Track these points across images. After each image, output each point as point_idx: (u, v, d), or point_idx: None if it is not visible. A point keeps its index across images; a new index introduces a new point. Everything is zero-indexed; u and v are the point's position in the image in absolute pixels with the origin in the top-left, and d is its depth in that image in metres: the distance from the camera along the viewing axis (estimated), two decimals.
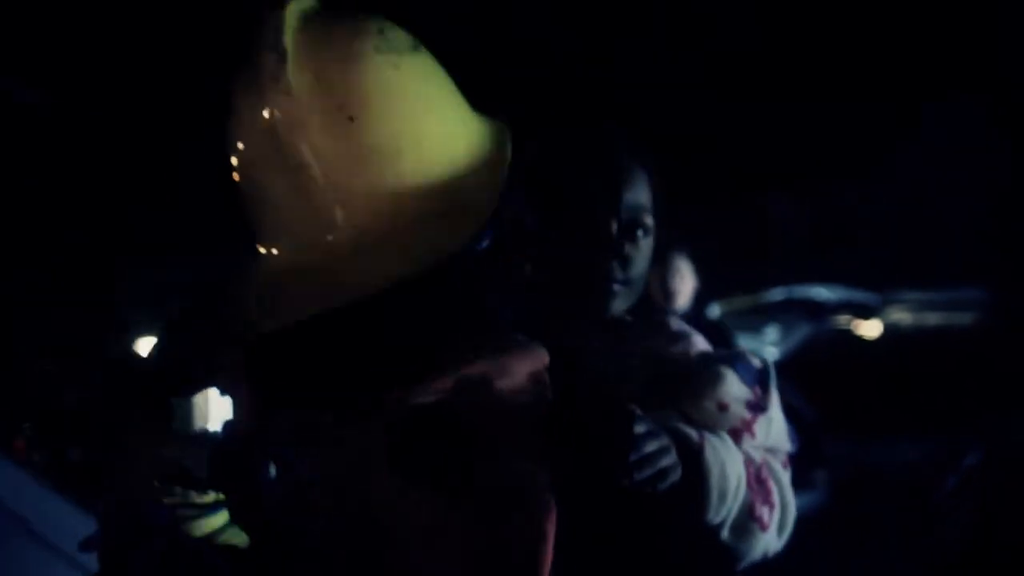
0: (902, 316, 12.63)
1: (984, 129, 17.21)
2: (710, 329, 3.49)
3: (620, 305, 1.58)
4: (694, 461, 1.39)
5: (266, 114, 1.08)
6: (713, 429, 1.49)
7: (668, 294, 3.91)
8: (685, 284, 3.97)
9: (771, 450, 1.57)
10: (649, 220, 1.59)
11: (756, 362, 1.61)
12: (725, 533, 1.45)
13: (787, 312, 7.17)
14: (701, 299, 4.10)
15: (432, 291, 1.10)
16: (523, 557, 1.02)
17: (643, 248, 1.58)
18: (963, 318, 11.88)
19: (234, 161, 1.13)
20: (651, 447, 1.24)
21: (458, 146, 1.13)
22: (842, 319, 9.13)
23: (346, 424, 1.07)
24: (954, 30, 14.76)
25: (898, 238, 16.91)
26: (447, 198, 1.09)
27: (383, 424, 1.06)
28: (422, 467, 1.04)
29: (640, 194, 1.58)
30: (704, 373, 1.55)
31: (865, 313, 9.10)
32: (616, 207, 1.54)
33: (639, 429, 1.22)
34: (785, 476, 1.56)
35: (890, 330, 11.27)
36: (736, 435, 1.51)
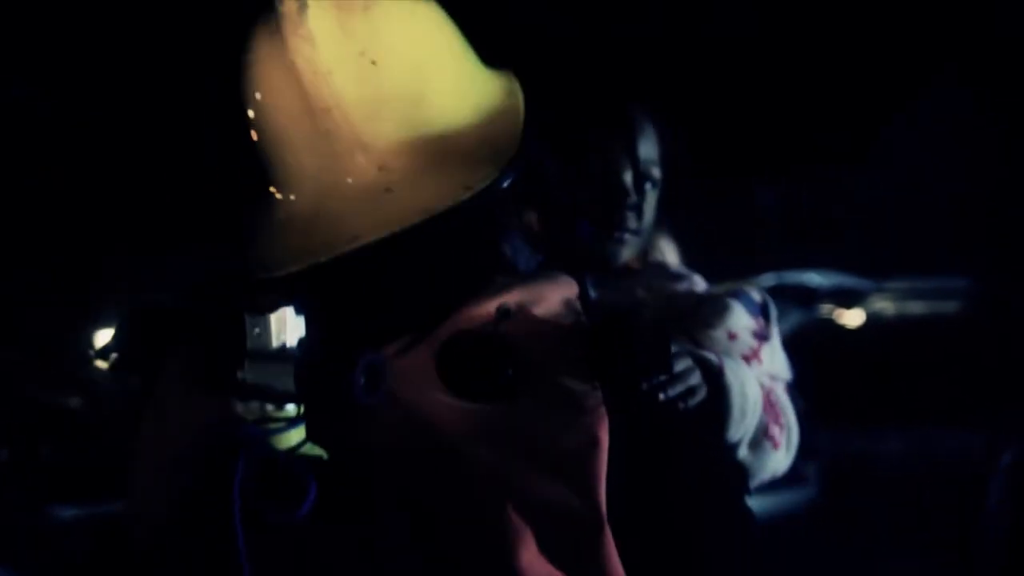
0: (886, 305, 12.67)
1: (971, 118, 17.24)
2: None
3: (629, 253, 1.69)
4: (716, 381, 1.46)
5: (289, 61, 1.11)
6: (724, 356, 1.56)
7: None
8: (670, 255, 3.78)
9: (775, 377, 1.66)
10: (658, 173, 1.69)
11: (757, 295, 1.70)
12: (743, 451, 1.54)
13: (777, 298, 6.96)
14: None
15: (461, 229, 1.14)
16: (580, 462, 1.05)
17: (651, 200, 1.69)
18: (949, 307, 11.94)
19: (254, 110, 1.15)
20: (681, 366, 1.31)
21: (476, 92, 1.17)
22: (831, 306, 9.12)
23: (399, 354, 1.12)
24: (944, 16, 14.77)
25: (884, 227, 16.95)
26: (468, 142, 1.13)
27: (433, 349, 1.11)
28: (476, 385, 1.09)
29: (652, 148, 1.68)
30: (712, 305, 1.64)
31: (857, 300, 9.04)
32: (633, 160, 1.63)
33: (672, 349, 1.26)
34: (788, 401, 1.65)
35: (874, 319, 11.33)
36: (746, 362, 1.60)
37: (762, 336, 1.66)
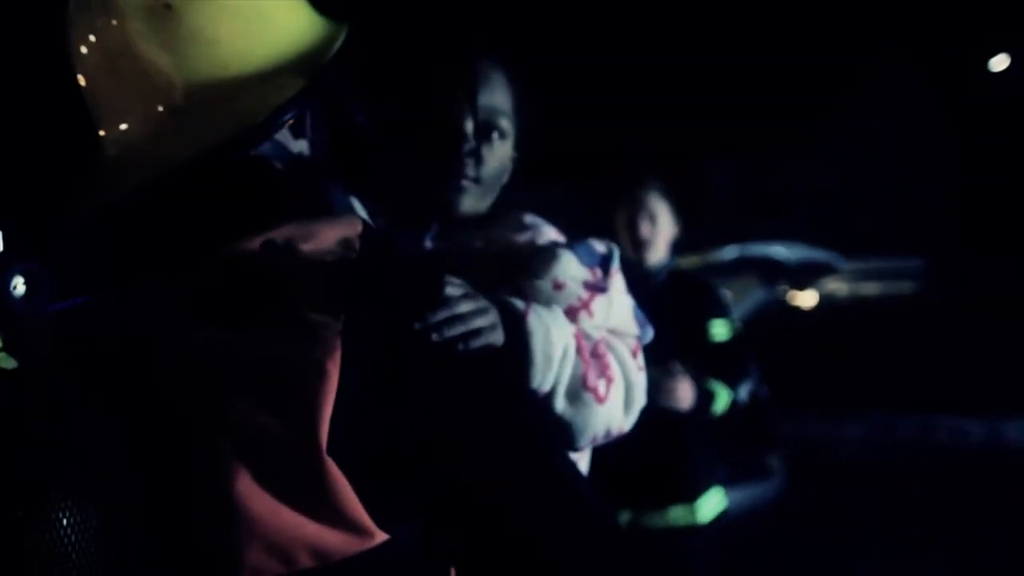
0: (839, 286, 12.68)
1: (919, 100, 17.41)
2: (698, 290, 3.28)
3: (470, 203, 1.67)
4: (518, 326, 1.45)
5: (97, 11, 1.20)
6: (548, 305, 1.55)
7: (637, 242, 3.14)
8: (660, 231, 3.17)
9: (614, 332, 1.63)
10: (506, 124, 1.68)
11: (600, 247, 1.68)
12: (559, 402, 1.51)
13: (739, 273, 6.49)
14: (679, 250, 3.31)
15: (241, 161, 1.20)
16: (301, 392, 1.06)
17: (498, 150, 1.68)
18: (903, 287, 11.97)
19: (72, 55, 1.25)
20: (463, 307, 1.28)
21: (281, 38, 1.24)
22: (797, 280, 8.90)
23: (157, 282, 1.17)
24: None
25: (834, 206, 17.03)
26: (259, 80, 1.20)
27: (192, 280, 1.15)
28: (219, 312, 1.12)
29: (498, 96, 1.68)
30: (541, 255, 1.62)
31: (825, 273, 8.84)
32: (472, 106, 1.64)
33: (451, 291, 1.28)
34: (630, 357, 1.60)
35: (826, 300, 11.28)
36: (572, 313, 1.58)
37: (596, 287, 1.63)
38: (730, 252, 6.22)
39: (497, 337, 1.38)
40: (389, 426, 1.10)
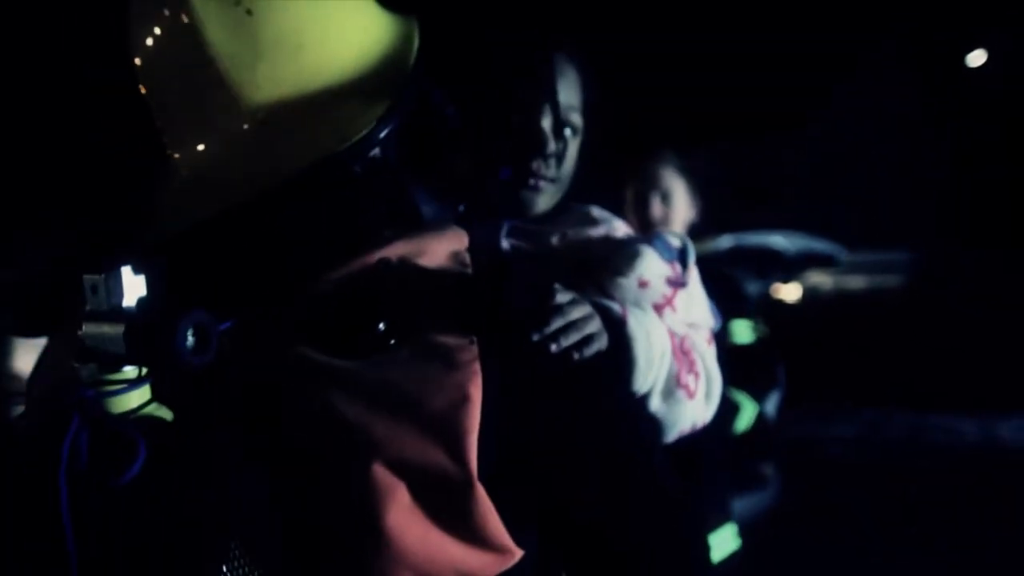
0: (823, 279, 12.65)
1: (906, 89, 17.49)
2: (718, 283, 2.70)
3: (545, 202, 1.69)
4: (618, 330, 1.45)
5: (165, 14, 1.14)
6: (635, 304, 1.56)
7: (647, 224, 2.82)
8: (675, 212, 2.88)
9: (693, 325, 1.66)
10: (578, 120, 1.69)
11: (675, 241, 1.70)
12: (655, 401, 1.53)
13: (734, 265, 6.26)
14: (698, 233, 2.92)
15: (338, 179, 1.15)
16: (448, 419, 1.05)
17: (572, 148, 1.68)
18: (888, 281, 11.92)
19: (138, 69, 1.18)
20: (575, 314, 1.28)
21: (363, 40, 1.19)
22: (800, 274, 8.72)
23: (271, 306, 1.14)
24: None
25: (817, 197, 17.03)
26: (350, 89, 1.16)
27: (306, 303, 1.12)
28: (344, 340, 1.09)
29: (571, 94, 1.68)
30: (624, 251, 1.63)
31: (828, 267, 8.70)
32: (552, 105, 1.63)
33: (561, 298, 1.28)
34: (709, 349, 1.64)
35: (811, 294, 11.23)
36: (658, 310, 1.60)
37: (677, 283, 1.66)
38: (725, 242, 6.01)
39: (604, 342, 1.36)
40: (517, 441, 1.10)
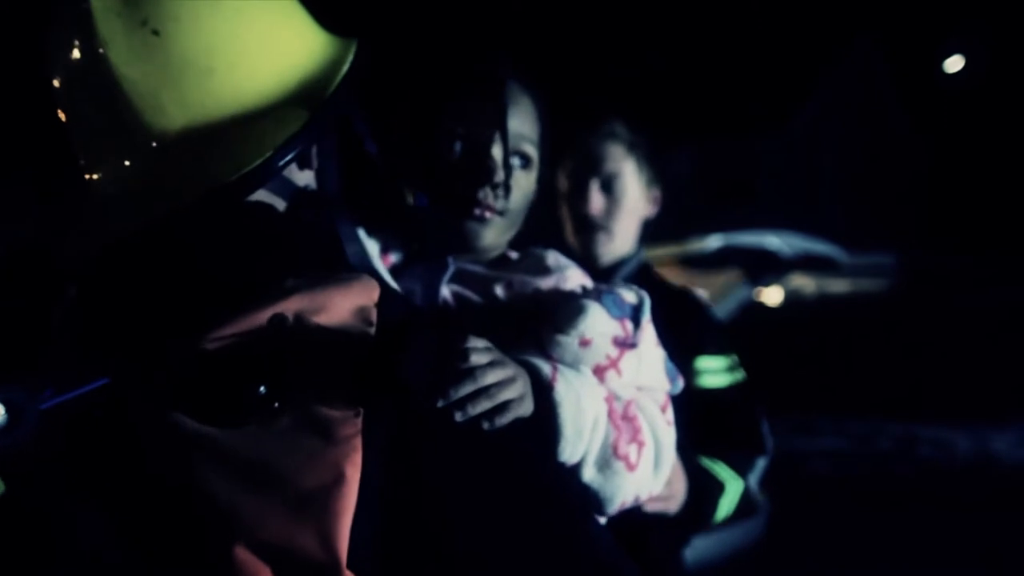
0: (805, 283, 12.59)
1: (886, 90, 17.64)
2: (680, 306, 2.22)
3: (493, 236, 1.65)
4: (545, 395, 1.38)
5: (72, 37, 1.13)
6: (573, 364, 1.50)
7: (583, 222, 2.24)
8: (623, 203, 2.22)
9: (643, 388, 1.58)
10: (532, 151, 1.66)
11: (630, 297, 1.61)
12: (587, 472, 1.46)
13: (723, 266, 5.91)
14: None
15: (236, 213, 1.13)
16: (320, 501, 1.02)
17: (523, 180, 1.66)
18: (872, 285, 11.90)
19: (58, 93, 1.17)
20: (489, 378, 1.21)
21: (282, 63, 1.17)
22: (799, 277, 8.42)
23: (148, 370, 1.10)
24: None
25: (798, 198, 17.12)
26: (256, 115, 1.14)
27: (184, 359, 1.09)
28: (220, 406, 1.06)
29: (524, 122, 1.65)
30: (568, 307, 1.56)
31: (828, 270, 8.38)
32: (503, 132, 1.60)
33: (475, 360, 1.21)
34: (660, 415, 1.56)
35: (792, 298, 11.17)
36: (600, 372, 1.52)
37: (625, 344, 1.56)
38: (714, 241, 5.71)
39: (526, 408, 1.30)
40: (411, 522, 1.07)
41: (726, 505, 2.05)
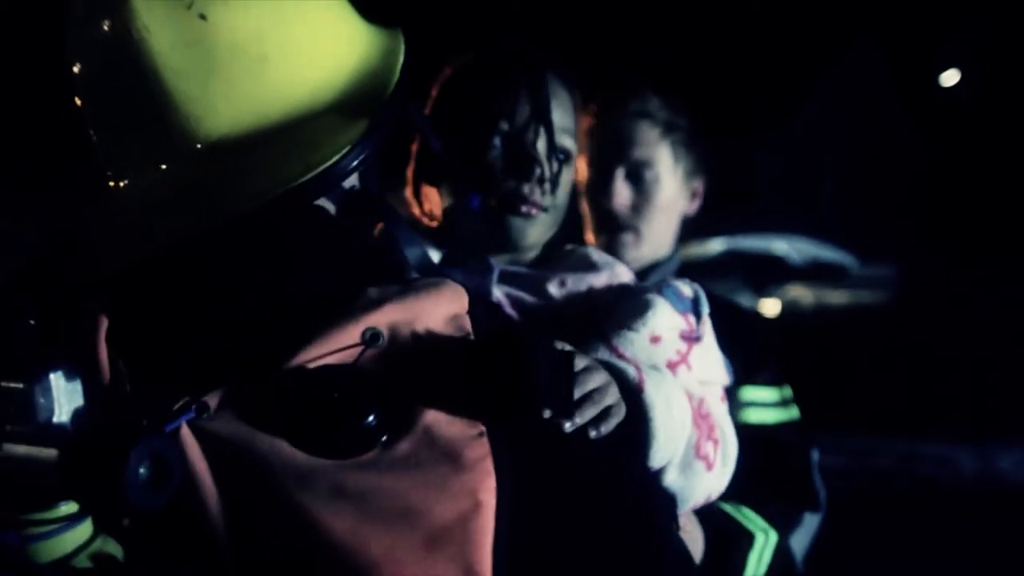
0: (803, 293, 12.59)
1: (886, 93, 17.72)
2: (732, 323, 1.82)
3: (538, 234, 1.64)
4: (635, 400, 1.35)
5: (105, 21, 1.05)
6: (647, 362, 1.46)
7: (607, 218, 1.95)
8: (654, 199, 1.94)
9: (706, 383, 1.57)
10: (572, 144, 1.65)
11: (687, 290, 1.59)
12: (671, 475, 1.43)
13: (726, 273, 5.64)
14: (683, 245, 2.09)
15: (309, 223, 1.07)
16: (458, 532, 0.97)
17: (565, 175, 1.64)
18: (872, 296, 11.86)
19: (79, 86, 1.09)
20: (591, 383, 1.19)
21: (337, 53, 1.11)
22: (805, 286, 8.18)
23: (233, 399, 1.01)
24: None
25: (795, 206, 17.15)
26: (319, 109, 1.07)
27: (276, 391, 1.00)
28: (328, 437, 0.99)
29: (565, 115, 1.64)
30: (633, 303, 1.54)
31: (839, 278, 8.15)
32: (546, 125, 1.58)
33: (579, 365, 1.19)
34: (723, 409, 1.56)
35: (789, 308, 11.14)
36: (672, 368, 1.50)
37: (692, 337, 1.55)
38: (716, 245, 5.43)
39: (623, 413, 1.26)
40: (537, 544, 1.02)
41: (754, 561, 1.75)
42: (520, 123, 1.60)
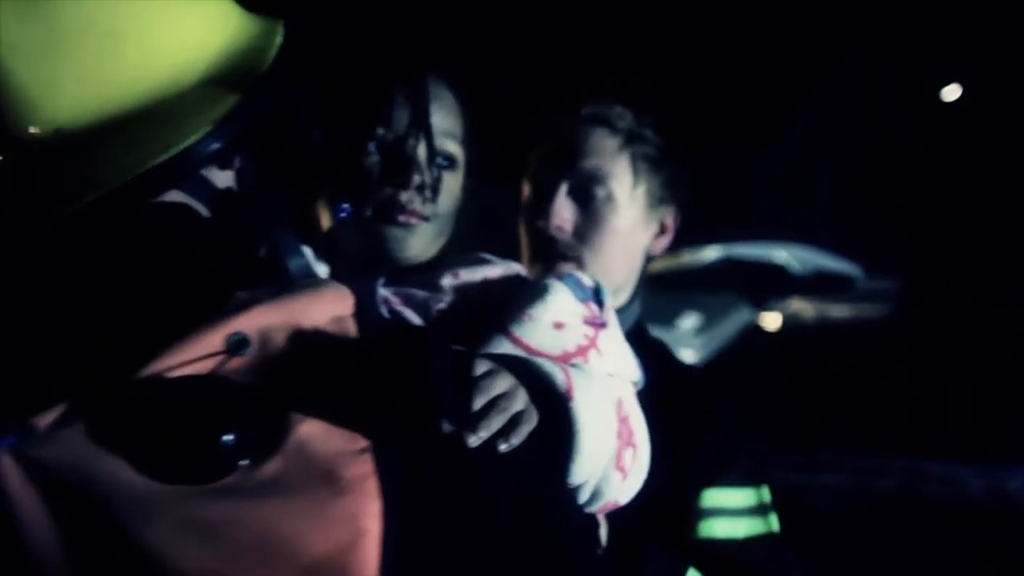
0: (804, 307, 12.58)
1: (887, 100, 17.80)
2: (688, 384, 1.69)
3: (420, 245, 1.54)
4: (560, 406, 1.24)
5: None
6: (553, 350, 1.38)
7: (541, 245, 1.73)
8: (608, 219, 1.68)
9: (617, 375, 1.46)
10: (457, 150, 1.56)
11: (586, 280, 1.50)
12: (588, 488, 1.32)
13: (722, 284, 5.40)
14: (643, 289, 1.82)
15: (164, 215, 1.00)
16: (338, 564, 0.88)
17: (449, 183, 1.55)
18: (875, 310, 11.85)
19: None
20: (497, 388, 1.11)
21: (201, 31, 1.06)
22: (808, 298, 7.98)
23: (72, 418, 0.92)
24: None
25: (794, 217, 17.23)
26: (178, 90, 1.03)
27: (121, 409, 0.91)
28: (179, 460, 0.90)
29: (447, 119, 1.56)
30: (531, 289, 1.47)
31: (844, 290, 7.98)
32: (426, 129, 1.51)
33: (481, 368, 1.10)
34: (638, 408, 1.41)
35: (790, 322, 11.13)
36: (583, 353, 1.40)
37: (597, 323, 1.45)
38: (712, 253, 5.17)
39: (533, 420, 1.17)
40: (439, 570, 0.94)
41: None
42: (398, 129, 1.52)
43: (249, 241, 1.12)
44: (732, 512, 1.60)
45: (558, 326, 1.41)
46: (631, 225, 1.71)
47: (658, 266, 5.40)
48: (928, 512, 6.74)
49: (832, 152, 18.10)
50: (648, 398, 1.44)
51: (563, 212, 1.70)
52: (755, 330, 9.65)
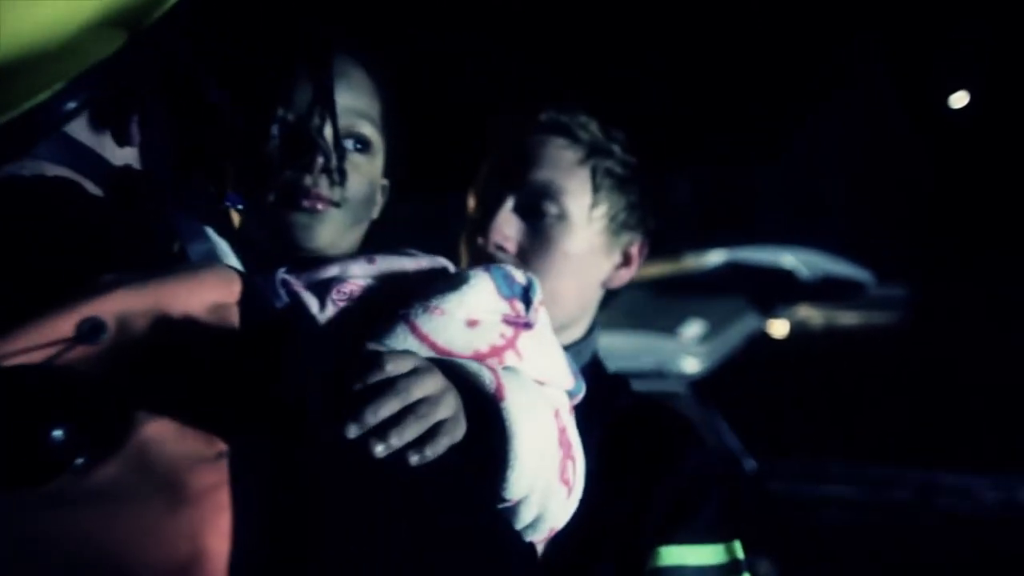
0: (812, 314, 12.53)
1: (892, 110, 17.82)
2: (650, 426, 1.56)
3: (331, 232, 1.42)
4: (491, 408, 1.15)
5: None
6: (464, 349, 1.29)
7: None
8: (556, 241, 1.59)
9: (546, 383, 1.34)
10: (371, 132, 1.45)
11: (519, 276, 1.37)
12: (531, 508, 1.21)
13: (727, 290, 5.27)
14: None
15: (27, 182, 0.96)
16: None
17: (363, 166, 1.45)
18: (885, 318, 11.81)
19: None
20: (420, 391, 1.02)
21: None
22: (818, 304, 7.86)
23: None
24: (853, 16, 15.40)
25: (801, 224, 17.25)
26: (43, 41, 0.97)
27: None
28: (6, 456, 0.81)
29: (359, 99, 1.46)
30: (447, 280, 1.35)
31: (854, 296, 7.84)
32: (331, 112, 1.42)
33: (396, 367, 1.00)
34: (572, 419, 1.32)
35: (798, 329, 11.08)
36: (498, 354, 1.29)
37: (519, 323, 1.32)
38: (715, 257, 5.06)
39: (460, 431, 1.08)
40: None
41: None
42: (300, 107, 1.42)
43: (142, 222, 1.03)
44: (694, 572, 1.48)
45: (472, 324, 1.30)
46: (586, 250, 1.59)
47: (660, 271, 5.27)
48: (943, 524, 6.71)
49: (834, 156, 18.18)
50: (602, 433, 1.38)
51: (505, 228, 1.59)
52: (761, 338, 9.60)
